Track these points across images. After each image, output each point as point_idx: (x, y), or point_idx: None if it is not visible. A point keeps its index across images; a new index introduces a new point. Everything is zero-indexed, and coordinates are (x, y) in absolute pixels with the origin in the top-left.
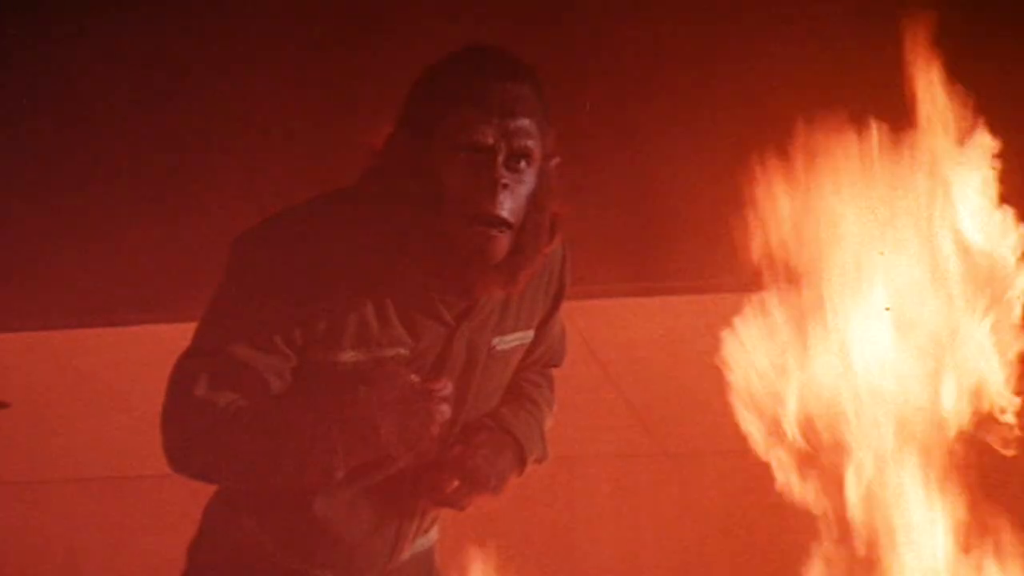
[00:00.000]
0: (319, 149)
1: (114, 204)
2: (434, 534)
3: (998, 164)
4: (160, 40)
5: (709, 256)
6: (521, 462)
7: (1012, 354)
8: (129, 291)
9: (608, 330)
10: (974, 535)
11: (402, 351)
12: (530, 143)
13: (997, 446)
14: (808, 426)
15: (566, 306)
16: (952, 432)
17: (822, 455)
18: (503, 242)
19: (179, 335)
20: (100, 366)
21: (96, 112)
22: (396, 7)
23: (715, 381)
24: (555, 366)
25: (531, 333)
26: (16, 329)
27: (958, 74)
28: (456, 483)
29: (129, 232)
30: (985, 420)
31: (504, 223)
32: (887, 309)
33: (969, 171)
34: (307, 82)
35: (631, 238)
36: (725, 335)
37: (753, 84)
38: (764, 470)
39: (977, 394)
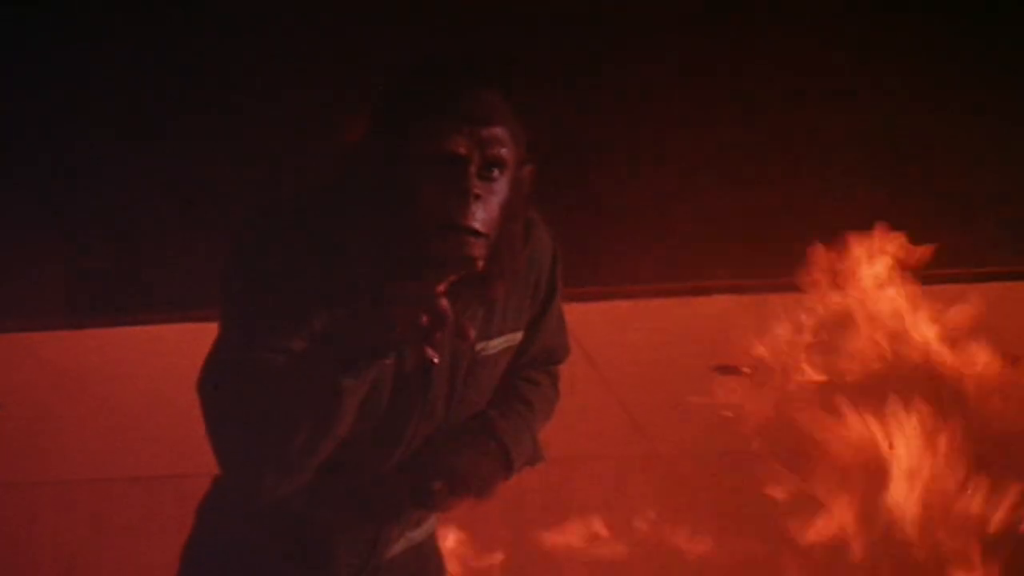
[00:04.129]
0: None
1: (114, 204)
2: (430, 526)
3: None
4: (165, 42)
5: (703, 258)
6: (508, 466)
7: None
8: (129, 291)
9: (602, 332)
10: None
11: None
12: (503, 151)
13: None
14: None
15: None
16: None
17: None
18: (480, 248)
19: (177, 335)
20: (94, 367)
21: (96, 110)
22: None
23: (709, 383)
24: (557, 363)
25: (519, 335)
26: (10, 329)
27: None
28: (438, 485)
29: (129, 232)
30: None
31: (476, 234)
32: None
33: None
34: (308, 81)
35: (625, 240)
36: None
37: (751, 84)
38: (757, 472)
39: None
